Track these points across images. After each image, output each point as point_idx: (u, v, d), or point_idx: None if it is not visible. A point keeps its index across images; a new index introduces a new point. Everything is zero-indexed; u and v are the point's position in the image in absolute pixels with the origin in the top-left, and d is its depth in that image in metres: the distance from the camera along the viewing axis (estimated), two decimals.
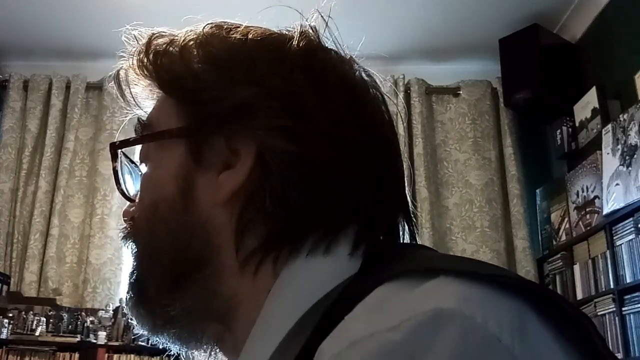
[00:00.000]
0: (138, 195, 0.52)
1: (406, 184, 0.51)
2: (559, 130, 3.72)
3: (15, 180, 4.14)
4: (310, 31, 0.50)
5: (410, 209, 0.51)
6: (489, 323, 0.31)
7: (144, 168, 0.52)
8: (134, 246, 0.50)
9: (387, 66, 4.18)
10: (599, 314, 3.01)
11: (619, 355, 2.81)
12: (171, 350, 0.51)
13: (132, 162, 0.55)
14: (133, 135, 0.53)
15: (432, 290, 0.34)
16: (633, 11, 3.16)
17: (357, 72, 0.50)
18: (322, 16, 0.51)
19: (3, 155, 4.17)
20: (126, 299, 0.50)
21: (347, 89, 0.49)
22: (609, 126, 3.14)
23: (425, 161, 4.06)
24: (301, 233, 0.44)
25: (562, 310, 0.34)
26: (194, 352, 0.51)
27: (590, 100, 3.44)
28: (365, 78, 0.51)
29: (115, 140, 0.52)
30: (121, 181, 0.53)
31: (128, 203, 0.53)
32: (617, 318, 2.87)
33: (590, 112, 3.44)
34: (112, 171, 0.53)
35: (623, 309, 2.83)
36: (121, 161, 0.53)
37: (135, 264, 0.50)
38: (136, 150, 0.54)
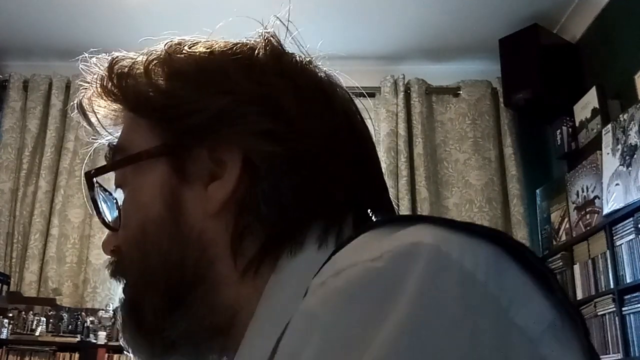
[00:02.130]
0: (120, 223, 0.50)
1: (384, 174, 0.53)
2: (559, 130, 3.72)
3: (15, 180, 4.14)
4: (272, 38, 0.51)
5: (390, 195, 0.52)
6: (464, 260, 0.32)
7: (120, 193, 0.51)
8: (126, 277, 0.49)
9: (387, 66, 4.18)
10: (599, 314, 3.01)
11: (619, 356, 2.81)
12: None
13: (106, 190, 0.54)
14: (103, 162, 0.52)
15: (413, 230, 0.35)
16: (633, 11, 3.16)
17: (321, 74, 0.52)
18: (282, 22, 0.52)
19: (3, 155, 4.17)
20: (121, 329, 0.49)
21: (317, 88, 0.50)
22: (609, 126, 3.14)
23: (425, 161, 4.06)
24: (298, 230, 0.45)
25: (531, 263, 0.35)
26: None
27: (590, 100, 3.45)
28: (331, 79, 0.52)
29: (90, 169, 0.51)
30: (101, 210, 0.52)
31: (107, 233, 0.52)
32: (617, 318, 2.87)
33: (590, 112, 3.44)
34: (90, 202, 0.51)
35: (623, 309, 2.83)
36: (97, 190, 0.52)
37: (126, 294, 0.49)
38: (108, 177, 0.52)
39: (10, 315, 3.66)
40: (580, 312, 0.36)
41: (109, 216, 0.53)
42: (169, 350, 0.47)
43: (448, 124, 4.27)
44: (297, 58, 0.51)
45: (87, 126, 0.54)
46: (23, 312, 3.71)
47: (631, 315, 2.78)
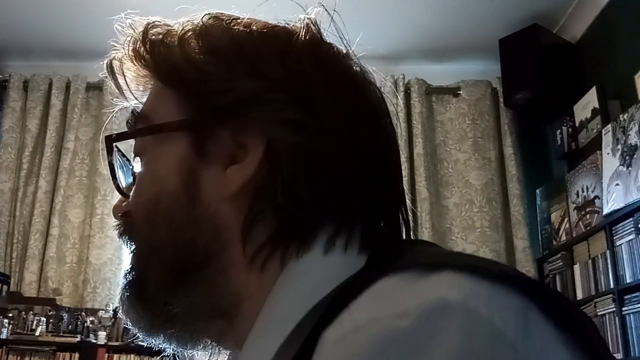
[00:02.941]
0: (133, 190, 0.50)
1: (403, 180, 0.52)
2: (559, 130, 3.72)
3: (15, 180, 4.14)
4: (312, 25, 0.49)
5: (408, 204, 0.51)
6: (494, 318, 0.32)
7: (137, 162, 0.51)
8: (132, 242, 0.49)
9: (387, 66, 4.18)
10: (599, 314, 3.01)
11: (619, 356, 2.81)
12: (167, 351, 0.49)
13: (124, 156, 0.53)
14: (125, 128, 0.52)
15: (438, 282, 0.34)
16: (633, 11, 3.16)
17: (357, 68, 0.50)
18: (327, 10, 0.50)
19: (3, 155, 4.17)
20: (122, 298, 0.48)
21: (351, 84, 0.49)
22: (609, 126, 3.14)
23: (425, 161, 4.06)
24: (310, 227, 0.44)
25: (565, 311, 0.35)
26: (192, 352, 0.49)
27: (590, 100, 3.44)
28: (365, 75, 0.51)
29: (112, 133, 0.51)
30: (117, 175, 0.52)
31: (119, 198, 0.52)
32: (617, 318, 2.87)
33: (590, 112, 3.44)
34: (107, 165, 0.51)
35: (623, 309, 2.83)
36: (115, 155, 0.52)
37: (133, 261, 0.49)
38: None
39: (10, 315, 3.66)
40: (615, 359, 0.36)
41: (124, 182, 0.53)
42: (168, 324, 0.46)
43: (448, 124, 4.27)
44: (335, 49, 0.50)
45: (114, 87, 0.53)
46: (23, 312, 3.71)
47: (631, 315, 2.78)
